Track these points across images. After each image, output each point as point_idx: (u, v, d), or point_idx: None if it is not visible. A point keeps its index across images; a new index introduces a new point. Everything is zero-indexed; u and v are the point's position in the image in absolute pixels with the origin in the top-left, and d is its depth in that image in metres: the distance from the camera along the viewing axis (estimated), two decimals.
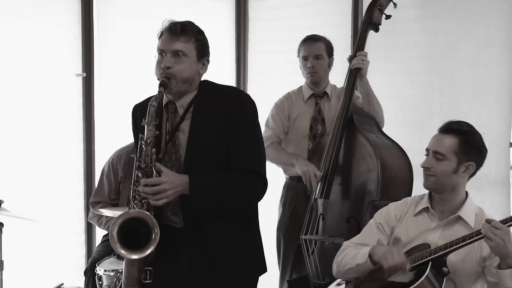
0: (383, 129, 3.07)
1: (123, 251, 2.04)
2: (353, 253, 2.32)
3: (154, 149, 2.11)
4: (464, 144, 2.24)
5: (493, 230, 2.04)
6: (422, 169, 2.30)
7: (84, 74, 3.69)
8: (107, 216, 3.16)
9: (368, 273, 2.27)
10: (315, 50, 3.18)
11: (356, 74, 3.02)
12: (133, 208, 2.14)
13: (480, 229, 2.09)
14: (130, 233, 2.07)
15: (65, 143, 3.71)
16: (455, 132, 2.26)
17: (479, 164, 2.29)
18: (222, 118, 2.16)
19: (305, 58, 3.20)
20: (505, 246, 2.04)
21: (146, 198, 2.10)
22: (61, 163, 3.69)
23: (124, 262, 2.16)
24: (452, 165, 2.24)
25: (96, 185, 3.41)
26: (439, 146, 2.25)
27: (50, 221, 3.49)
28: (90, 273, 3.13)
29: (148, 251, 2.03)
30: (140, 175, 2.11)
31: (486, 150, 2.31)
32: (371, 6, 3.09)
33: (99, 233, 3.64)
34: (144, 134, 2.11)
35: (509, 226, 2.07)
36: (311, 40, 3.22)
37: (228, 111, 2.16)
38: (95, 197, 3.30)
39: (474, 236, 2.11)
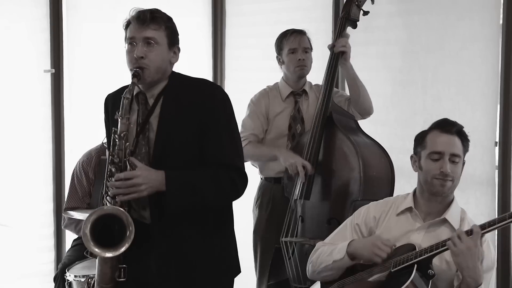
0: (370, 117, 3.05)
1: (96, 249, 2.00)
2: (329, 250, 2.30)
3: (128, 143, 2.05)
4: (465, 143, 2.26)
5: (462, 236, 2.02)
6: (433, 174, 2.21)
7: (53, 70, 3.60)
8: None
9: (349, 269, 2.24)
10: (304, 43, 3.12)
11: (338, 59, 2.94)
12: (105, 204, 2.08)
13: (468, 230, 2.06)
14: (103, 230, 2.01)
15: (32, 143, 3.61)
16: (458, 132, 2.25)
17: None
18: (193, 109, 2.10)
19: (293, 51, 3.10)
20: (471, 256, 2.00)
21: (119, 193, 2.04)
22: (28, 164, 3.59)
23: (97, 261, 2.11)
24: (462, 167, 2.26)
25: (67, 189, 3.34)
26: (455, 148, 2.23)
27: (17, 224, 3.42)
28: (60, 279, 3.06)
29: (123, 249, 1.99)
30: (113, 169, 2.06)
31: None
32: (348, 2, 3.03)
33: (70, 238, 3.54)
34: (117, 128, 2.05)
35: (485, 233, 2.04)
36: (298, 33, 3.13)
37: (199, 103, 2.10)
38: (69, 203, 3.23)
39: None
